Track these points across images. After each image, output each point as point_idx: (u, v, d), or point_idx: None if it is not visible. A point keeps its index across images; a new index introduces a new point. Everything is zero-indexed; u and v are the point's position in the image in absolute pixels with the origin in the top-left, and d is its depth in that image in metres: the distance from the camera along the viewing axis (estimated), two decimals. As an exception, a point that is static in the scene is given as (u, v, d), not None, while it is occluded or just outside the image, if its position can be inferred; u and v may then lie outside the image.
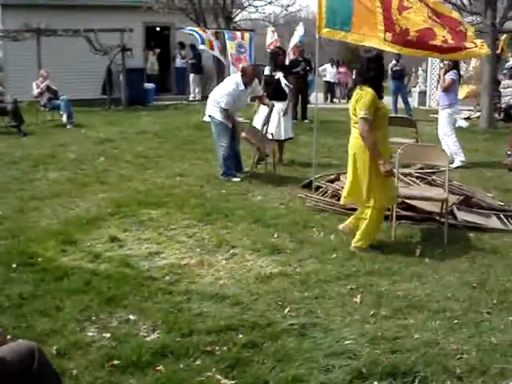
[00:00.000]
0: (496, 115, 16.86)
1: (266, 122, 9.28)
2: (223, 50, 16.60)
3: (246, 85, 8.91)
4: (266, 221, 6.96)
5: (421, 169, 8.10)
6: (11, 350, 2.89)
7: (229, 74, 13.97)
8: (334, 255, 5.91)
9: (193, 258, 5.83)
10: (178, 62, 23.10)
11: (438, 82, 11.78)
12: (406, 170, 7.80)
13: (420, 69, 25.05)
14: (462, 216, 7.05)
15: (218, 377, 3.71)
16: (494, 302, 4.90)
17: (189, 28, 17.11)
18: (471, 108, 18.82)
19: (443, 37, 7.23)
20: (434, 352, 4.05)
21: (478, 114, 17.22)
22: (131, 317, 4.51)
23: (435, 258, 5.88)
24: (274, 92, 9.74)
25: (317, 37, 8.13)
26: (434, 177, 7.66)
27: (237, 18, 22.84)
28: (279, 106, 9.74)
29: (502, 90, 17.76)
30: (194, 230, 6.64)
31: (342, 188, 7.61)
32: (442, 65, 12.27)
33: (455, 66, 10.73)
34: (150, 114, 17.59)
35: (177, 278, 5.32)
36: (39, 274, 5.26)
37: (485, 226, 6.92)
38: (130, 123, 15.50)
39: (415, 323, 4.50)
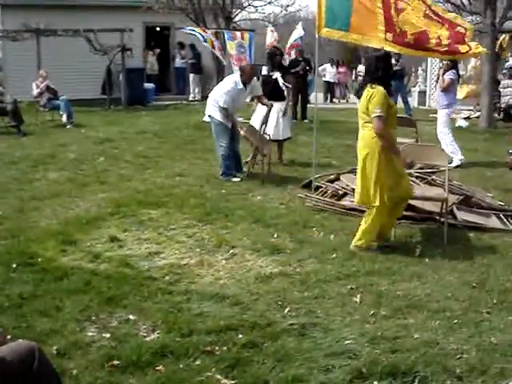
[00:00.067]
0: (496, 115, 16.86)
1: (265, 121, 9.28)
2: (223, 50, 16.61)
3: (244, 84, 8.91)
4: (265, 221, 6.96)
5: (420, 168, 8.10)
6: (11, 350, 2.90)
7: (229, 75, 13.95)
8: (334, 255, 5.91)
9: (193, 257, 5.83)
10: (178, 62, 23.09)
11: (437, 81, 11.77)
12: (406, 170, 7.79)
13: (420, 68, 25.07)
14: (462, 216, 7.05)
15: (218, 377, 3.71)
16: (494, 301, 4.90)
17: (189, 28, 17.12)
18: (471, 108, 18.82)
19: (438, 38, 7.22)
20: (433, 352, 4.05)
21: (478, 113, 17.21)
22: (131, 317, 4.51)
23: (435, 258, 5.88)
24: (272, 92, 9.74)
25: (316, 37, 8.13)
26: (433, 176, 7.66)
27: (236, 18, 22.84)
28: (277, 106, 9.75)
29: (501, 90, 17.77)
30: (193, 230, 6.64)
31: (342, 188, 7.65)
32: (441, 64, 12.27)
33: (454, 65, 10.74)
34: (149, 114, 17.59)
35: (177, 277, 5.32)
36: (39, 274, 5.26)
37: (485, 225, 6.92)
38: (129, 123, 15.50)
39: (415, 323, 4.50)
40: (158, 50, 22.98)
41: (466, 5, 17.69)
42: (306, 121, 16.45)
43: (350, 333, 4.30)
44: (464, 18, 18.33)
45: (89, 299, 4.75)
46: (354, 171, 8.19)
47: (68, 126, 14.63)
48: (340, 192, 7.68)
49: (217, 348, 4.04)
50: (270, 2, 23.30)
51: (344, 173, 8.30)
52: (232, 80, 9.03)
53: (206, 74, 22.08)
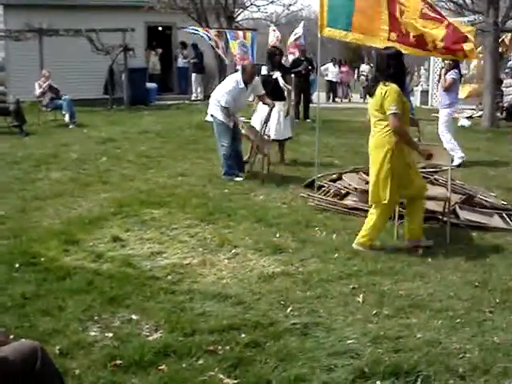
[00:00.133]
0: (498, 114, 16.85)
1: (266, 121, 9.26)
2: (225, 50, 16.62)
3: (245, 83, 8.90)
4: (268, 220, 6.96)
5: (423, 168, 8.09)
6: (14, 350, 2.90)
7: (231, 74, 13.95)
8: (337, 255, 5.91)
9: (195, 257, 5.83)
10: (180, 62, 23.11)
11: (439, 81, 11.76)
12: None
13: (422, 68, 25.06)
14: (465, 215, 7.05)
15: (221, 376, 3.71)
16: (497, 301, 4.89)
17: (192, 27, 17.12)
18: (473, 107, 18.81)
19: (433, 42, 7.21)
20: (436, 351, 4.05)
21: (480, 113, 17.21)
22: (134, 316, 4.51)
23: (438, 258, 5.87)
24: (272, 92, 9.71)
25: (319, 36, 8.12)
26: (436, 176, 7.65)
27: (239, 18, 22.85)
28: (278, 106, 9.73)
29: (504, 89, 17.76)
30: (196, 230, 6.64)
31: (345, 187, 7.65)
32: (442, 64, 12.27)
33: (456, 65, 10.73)
34: (152, 114, 17.59)
35: (179, 277, 5.32)
36: (42, 273, 5.26)
37: (487, 225, 6.92)
38: (132, 123, 15.51)
39: (418, 322, 4.49)
40: (160, 50, 23.01)
41: (468, 4, 17.67)
42: (308, 120, 16.45)
43: (353, 332, 4.30)
44: (466, 17, 18.38)
45: (91, 299, 4.76)
46: (356, 171, 8.21)
47: (70, 126, 14.64)
48: (342, 191, 7.68)
49: (219, 347, 4.04)
50: (272, 2, 23.31)
51: (346, 172, 8.29)
52: (233, 79, 9.02)
53: (208, 74, 22.09)
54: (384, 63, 5.94)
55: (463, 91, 18.70)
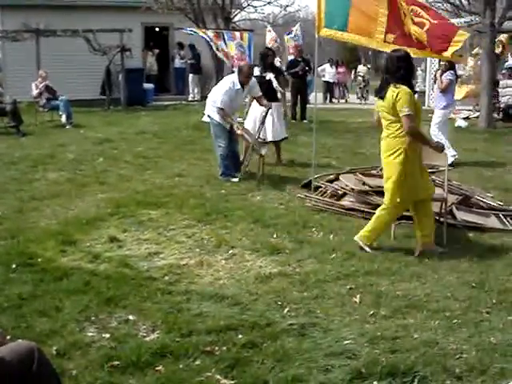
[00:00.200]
0: (495, 115, 16.87)
1: (263, 122, 9.23)
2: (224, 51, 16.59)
3: (242, 84, 8.88)
4: (265, 221, 6.96)
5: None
6: (11, 351, 2.89)
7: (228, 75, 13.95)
8: (334, 255, 5.91)
9: (192, 258, 5.83)
10: (177, 63, 23.11)
11: (435, 82, 11.77)
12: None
13: (419, 69, 25.07)
14: (462, 216, 7.05)
15: (218, 377, 3.71)
16: (494, 301, 4.90)
17: (189, 28, 17.10)
18: (470, 108, 18.83)
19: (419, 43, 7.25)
20: (433, 352, 4.05)
21: (477, 113, 17.22)
22: (131, 317, 4.51)
23: (435, 258, 5.88)
24: (266, 93, 9.67)
25: (316, 37, 8.13)
26: (433, 176, 7.65)
27: (236, 18, 22.85)
28: (272, 107, 9.70)
29: (500, 90, 17.77)
30: (193, 230, 6.64)
31: (342, 188, 7.65)
32: (437, 66, 12.27)
33: (452, 66, 10.74)
34: (149, 115, 17.59)
35: (176, 278, 5.32)
36: (38, 274, 5.26)
37: (484, 225, 6.93)
38: (129, 123, 15.51)
39: (415, 323, 4.50)
40: (157, 51, 22.99)
41: (465, 5, 17.70)
42: (305, 121, 16.44)
43: (350, 333, 4.30)
44: (463, 18, 18.41)
45: (88, 299, 4.75)
46: (353, 171, 8.22)
47: (67, 127, 14.64)
48: (339, 192, 7.68)
49: (216, 348, 4.04)
50: (269, 2, 23.31)
51: (343, 173, 8.30)
52: (230, 80, 9.01)
53: (205, 75, 22.09)
54: (394, 65, 5.92)
55: (460, 92, 18.69)
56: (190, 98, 22.20)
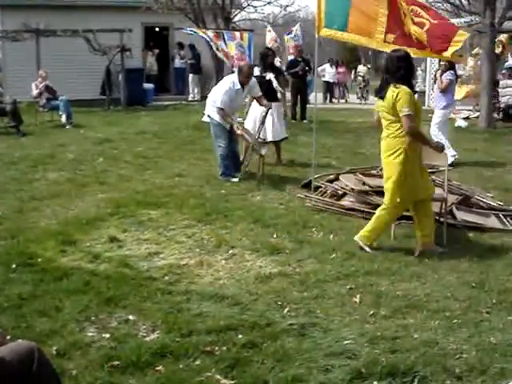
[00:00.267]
0: (495, 115, 16.87)
1: (263, 122, 9.22)
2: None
3: (242, 84, 8.87)
4: (265, 221, 6.96)
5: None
6: (11, 351, 2.89)
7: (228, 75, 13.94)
8: (334, 255, 5.91)
9: (192, 258, 5.83)
10: (177, 63, 23.11)
11: (435, 82, 11.77)
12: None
13: (419, 69, 25.07)
14: (462, 216, 7.05)
15: (218, 377, 3.71)
16: (494, 301, 4.90)
17: (189, 28, 17.10)
18: (470, 108, 18.83)
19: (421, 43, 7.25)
20: (433, 352, 4.05)
21: (477, 113, 17.22)
22: (131, 317, 4.51)
23: (435, 258, 5.88)
24: (266, 93, 9.67)
25: (316, 37, 8.13)
26: (433, 177, 7.65)
27: (236, 18, 22.85)
28: (272, 107, 9.69)
29: (500, 90, 17.77)
30: (193, 230, 6.64)
31: (342, 188, 7.65)
32: (437, 66, 12.28)
33: (452, 66, 10.74)
34: (149, 115, 17.59)
35: (176, 278, 5.32)
36: (38, 274, 5.26)
37: (484, 225, 6.93)
38: (129, 123, 15.51)
39: (414, 323, 4.50)
40: (157, 51, 22.99)
41: (465, 5, 17.70)
42: (305, 121, 16.44)
43: (350, 333, 4.30)
44: (463, 18, 18.40)
45: (88, 299, 4.75)
46: (353, 171, 8.22)
47: (67, 127, 14.64)
48: (339, 192, 7.68)
49: (216, 348, 4.04)
50: (269, 2, 23.31)
51: (343, 173, 8.30)
52: (230, 80, 9.00)
53: (205, 74, 22.09)
54: (394, 65, 5.91)
55: (460, 92, 18.68)
56: (189, 98, 22.20)
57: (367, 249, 6.04)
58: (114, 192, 8.29)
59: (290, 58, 18.95)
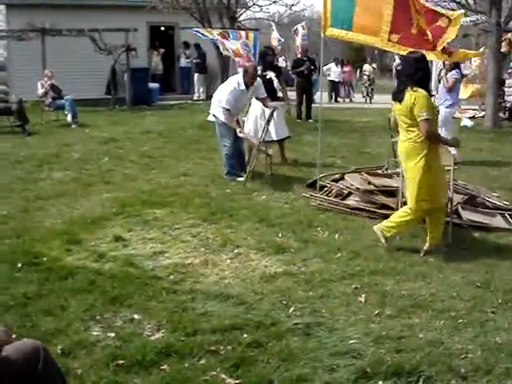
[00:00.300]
0: (501, 114, 16.84)
1: (267, 122, 9.17)
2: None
3: (246, 85, 8.87)
4: (270, 220, 6.96)
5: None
6: (16, 349, 2.90)
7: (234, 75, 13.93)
8: (339, 254, 5.91)
9: (197, 257, 5.83)
10: (183, 62, 23.12)
11: (439, 81, 11.76)
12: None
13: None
14: (467, 215, 7.04)
15: (223, 376, 3.71)
16: (499, 301, 4.89)
17: (195, 29, 17.09)
18: (476, 107, 18.79)
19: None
20: (438, 351, 4.05)
21: (483, 113, 17.19)
22: (136, 316, 4.51)
23: (440, 258, 5.87)
24: (267, 92, 9.63)
25: (322, 36, 8.13)
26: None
27: (241, 18, 22.83)
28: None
29: (506, 89, 17.73)
30: (198, 230, 6.64)
31: (347, 187, 7.64)
32: (441, 65, 12.25)
33: (457, 65, 10.74)
34: (154, 114, 17.61)
35: (181, 277, 5.33)
36: (44, 273, 5.27)
37: (490, 225, 6.91)
38: (134, 123, 15.52)
39: (420, 322, 4.49)
40: (162, 50, 23.00)
41: (471, 4, 17.65)
42: (310, 120, 16.43)
43: (355, 332, 4.30)
44: (469, 17, 18.36)
45: (93, 299, 4.76)
46: (358, 171, 8.21)
47: (73, 126, 14.66)
48: (345, 191, 7.68)
49: (221, 347, 4.04)
50: (274, 2, 23.26)
51: (349, 172, 8.29)
52: (235, 81, 9.00)
53: (210, 74, 22.08)
54: (412, 68, 5.85)
55: (466, 91, 18.67)
56: (195, 98, 22.21)
57: (383, 240, 6.03)
58: (120, 191, 8.30)
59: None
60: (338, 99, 26.23)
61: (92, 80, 19.84)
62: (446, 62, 10.97)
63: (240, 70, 12.63)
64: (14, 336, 3.45)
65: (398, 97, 5.90)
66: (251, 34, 15.76)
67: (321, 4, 7.93)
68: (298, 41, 20.03)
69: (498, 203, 7.61)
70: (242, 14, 22.67)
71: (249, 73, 8.88)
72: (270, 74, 10.35)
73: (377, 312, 4.66)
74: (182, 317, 4.49)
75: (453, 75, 10.57)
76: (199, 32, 16.41)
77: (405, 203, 6.63)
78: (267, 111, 9.37)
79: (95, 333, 4.26)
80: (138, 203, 7.55)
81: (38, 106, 15.38)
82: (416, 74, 5.80)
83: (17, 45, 18.54)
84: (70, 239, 6.18)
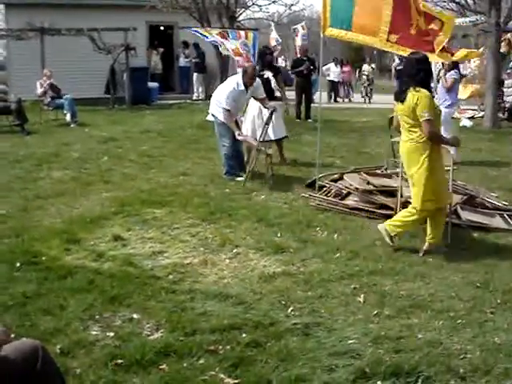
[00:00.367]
0: (500, 115, 16.85)
1: (267, 123, 9.14)
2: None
3: (246, 85, 8.86)
4: (269, 220, 6.96)
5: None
6: (15, 349, 2.90)
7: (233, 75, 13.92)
8: (338, 254, 5.91)
9: (196, 257, 5.83)
10: (182, 61, 23.13)
11: (438, 81, 11.77)
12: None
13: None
14: (466, 216, 7.04)
15: (222, 376, 3.71)
16: (498, 301, 4.89)
17: (194, 29, 17.08)
18: (475, 107, 18.80)
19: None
20: (437, 352, 4.05)
21: (482, 113, 17.20)
22: (135, 316, 4.51)
23: (439, 258, 5.87)
24: (265, 92, 9.61)
25: (321, 36, 8.12)
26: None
27: (240, 17, 22.82)
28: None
29: (505, 90, 17.74)
30: (197, 229, 6.64)
31: (346, 187, 7.64)
32: (440, 65, 12.27)
33: (456, 65, 10.76)
34: (153, 113, 17.61)
35: (180, 277, 5.32)
36: (43, 272, 5.26)
37: (489, 225, 6.92)
38: (133, 122, 15.52)
39: (419, 323, 4.49)
40: (161, 49, 23.01)
41: (470, 4, 17.67)
42: (309, 120, 16.43)
43: (354, 332, 4.30)
44: (468, 18, 18.37)
45: (92, 298, 4.76)
46: (357, 171, 8.21)
47: (72, 125, 14.65)
48: (344, 191, 7.68)
49: (220, 347, 4.04)
50: (274, 1, 23.24)
51: (348, 172, 8.29)
52: (234, 81, 8.98)
53: (209, 73, 22.08)
54: (414, 68, 5.87)
55: (465, 92, 18.69)
56: (194, 97, 22.21)
57: (388, 239, 6.03)
58: (119, 191, 8.30)
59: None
60: (338, 99, 26.23)
61: (91, 79, 19.84)
62: (445, 62, 10.99)
63: (239, 69, 12.64)
64: (12, 336, 3.45)
65: (400, 97, 5.91)
66: (250, 34, 15.75)
67: (320, 4, 7.93)
68: (298, 40, 20.05)
69: (497, 203, 7.62)
70: (241, 14, 22.68)
71: (248, 73, 8.87)
72: (268, 74, 10.35)
73: (376, 312, 4.66)
74: (181, 316, 4.49)
75: (452, 75, 10.59)
76: (198, 32, 16.41)
77: (404, 203, 6.65)
78: (264, 111, 9.38)
79: (94, 332, 4.26)
80: (137, 202, 7.55)
81: (37, 106, 15.37)
82: (418, 74, 5.81)
83: (16, 44, 18.54)
84: (69, 238, 6.18)
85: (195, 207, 7.40)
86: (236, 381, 3.67)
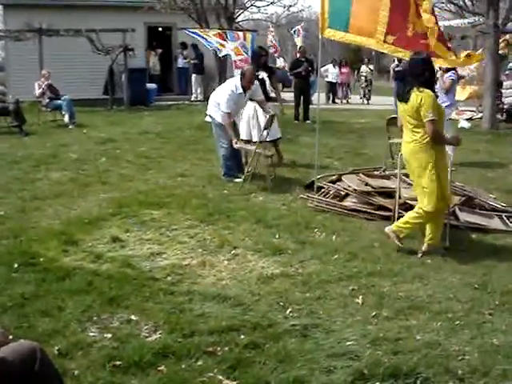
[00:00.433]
0: (498, 116, 16.86)
1: (266, 127, 9.09)
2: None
3: (244, 88, 8.84)
4: (267, 221, 6.95)
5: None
6: (13, 351, 2.89)
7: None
8: (336, 256, 5.91)
9: (195, 258, 5.82)
10: (180, 62, 23.13)
11: (436, 82, 11.77)
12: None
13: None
14: (464, 217, 7.05)
15: (220, 377, 3.71)
16: (496, 303, 4.89)
17: (191, 30, 17.06)
18: (473, 109, 18.81)
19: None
20: (435, 353, 4.05)
21: (481, 114, 17.21)
22: (133, 317, 4.51)
23: (437, 259, 5.87)
24: None
25: (319, 37, 8.12)
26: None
27: (239, 19, 22.84)
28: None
29: (504, 91, 17.76)
30: (195, 231, 6.64)
31: (344, 189, 7.64)
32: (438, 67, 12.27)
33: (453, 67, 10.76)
34: (152, 115, 17.60)
35: (178, 278, 5.32)
36: (41, 274, 5.26)
37: (487, 226, 6.92)
38: (132, 123, 15.52)
39: (417, 324, 4.49)
40: (160, 50, 23.02)
41: (468, 6, 17.70)
42: (308, 121, 16.43)
43: (352, 334, 4.30)
44: (466, 19, 18.40)
45: (91, 299, 4.75)
46: (356, 172, 8.21)
47: (70, 126, 14.64)
48: (342, 193, 7.68)
49: (219, 349, 4.04)
50: (272, 3, 23.29)
51: (346, 173, 8.29)
52: (232, 84, 8.94)
53: (208, 75, 22.09)
54: (419, 68, 5.86)
55: (463, 93, 18.69)
56: (192, 98, 22.22)
57: (397, 241, 6.03)
58: (117, 192, 8.30)
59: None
60: (336, 100, 26.24)
61: (89, 80, 19.84)
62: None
63: (237, 71, 12.63)
64: (10, 337, 3.46)
65: (403, 97, 5.91)
66: (249, 35, 15.75)
67: (318, 5, 7.93)
68: (300, 41, 20.05)
69: (495, 205, 7.62)
70: (239, 15, 22.70)
71: (246, 77, 8.85)
72: (263, 74, 10.34)
73: (374, 313, 4.66)
74: (179, 318, 4.48)
75: (449, 76, 10.59)
76: (196, 33, 16.39)
77: (402, 204, 6.66)
78: (260, 111, 9.37)
79: (92, 334, 4.25)
80: (135, 204, 7.54)
81: (36, 107, 15.35)
82: (423, 74, 5.80)
83: (14, 45, 18.54)
84: (67, 240, 6.17)
85: (193, 208, 7.40)
86: (234, 382, 3.66)
